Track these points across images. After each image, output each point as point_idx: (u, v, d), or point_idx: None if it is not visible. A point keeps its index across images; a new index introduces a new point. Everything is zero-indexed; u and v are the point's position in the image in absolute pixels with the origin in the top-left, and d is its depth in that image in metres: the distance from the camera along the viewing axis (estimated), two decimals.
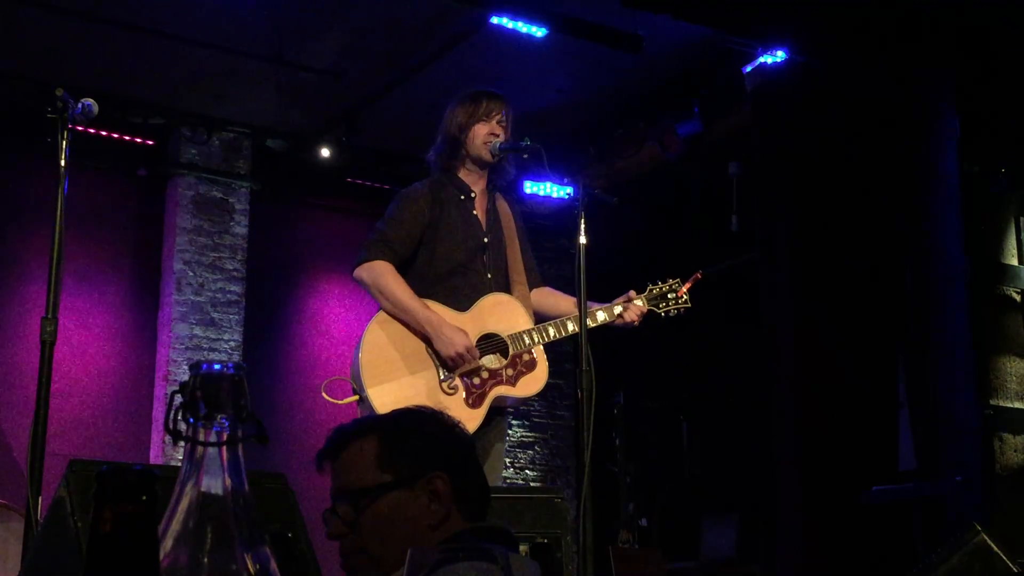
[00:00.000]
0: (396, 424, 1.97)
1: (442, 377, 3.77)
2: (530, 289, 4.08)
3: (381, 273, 3.83)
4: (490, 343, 3.85)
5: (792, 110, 6.69)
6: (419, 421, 1.99)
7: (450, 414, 3.56)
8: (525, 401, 4.02)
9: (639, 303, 4.01)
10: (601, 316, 3.96)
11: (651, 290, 4.08)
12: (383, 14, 6.52)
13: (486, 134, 3.97)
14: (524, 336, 3.86)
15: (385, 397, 3.67)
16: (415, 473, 1.85)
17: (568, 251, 3.64)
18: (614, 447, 7.31)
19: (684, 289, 4.09)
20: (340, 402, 3.86)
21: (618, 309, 3.97)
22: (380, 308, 3.84)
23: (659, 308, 4.07)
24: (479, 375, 3.80)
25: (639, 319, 4.01)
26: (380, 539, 1.83)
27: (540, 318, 3.99)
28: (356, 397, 3.75)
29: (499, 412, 3.92)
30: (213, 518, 1.03)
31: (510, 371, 3.85)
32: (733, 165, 7.40)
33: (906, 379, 6.20)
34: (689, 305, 4.11)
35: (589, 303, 3.88)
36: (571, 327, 3.87)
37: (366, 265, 3.85)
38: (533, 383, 3.90)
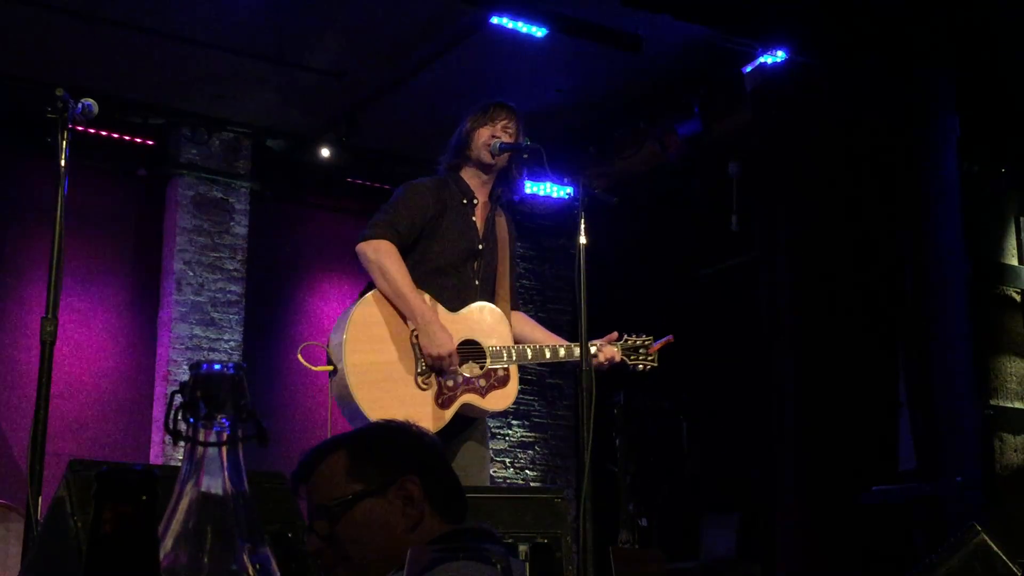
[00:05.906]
0: (364, 436, 2.04)
1: (419, 371, 3.73)
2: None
3: (385, 252, 3.79)
4: (470, 350, 3.82)
5: (792, 110, 6.69)
6: (387, 431, 2.05)
7: (418, 409, 3.58)
8: (490, 415, 3.97)
9: (615, 349, 3.98)
10: (577, 352, 3.91)
11: (626, 340, 4.03)
12: (383, 14, 6.52)
13: (488, 136, 3.97)
14: (503, 352, 3.84)
15: (360, 375, 3.63)
16: (386, 479, 1.88)
17: (568, 251, 3.63)
18: (614, 447, 7.31)
19: (655, 348, 4.05)
20: (314, 368, 3.78)
21: (593, 349, 3.88)
22: (375, 287, 3.80)
23: (629, 359, 4.03)
24: (453, 379, 3.78)
25: (608, 365, 3.97)
26: (359, 547, 1.85)
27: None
28: (331, 367, 3.70)
29: (470, 420, 3.89)
30: (213, 518, 1.03)
31: (483, 382, 3.82)
32: (733, 165, 7.40)
33: (906, 379, 6.20)
34: (656, 364, 4.05)
35: (564, 341, 3.91)
36: (547, 355, 3.86)
37: (372, 242, 3.80)
38: (502, 399, 3.86)
